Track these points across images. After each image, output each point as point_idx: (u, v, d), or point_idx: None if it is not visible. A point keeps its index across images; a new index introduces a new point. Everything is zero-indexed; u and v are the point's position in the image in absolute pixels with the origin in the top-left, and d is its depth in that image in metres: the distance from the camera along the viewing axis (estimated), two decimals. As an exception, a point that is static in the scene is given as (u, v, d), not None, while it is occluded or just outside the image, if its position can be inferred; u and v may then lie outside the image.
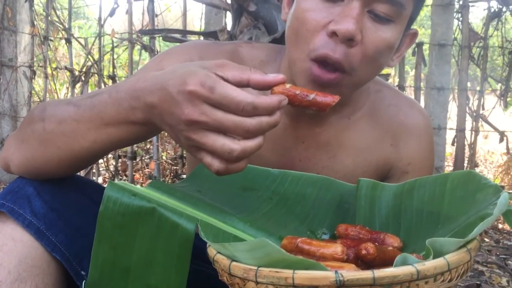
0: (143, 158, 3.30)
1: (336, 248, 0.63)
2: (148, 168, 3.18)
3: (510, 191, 2.81)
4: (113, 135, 0.73)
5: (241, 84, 0.65)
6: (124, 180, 2.96)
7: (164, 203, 0.71)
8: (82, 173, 2.80)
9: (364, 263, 0.64)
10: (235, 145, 0.62)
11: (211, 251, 0.63)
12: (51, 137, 0.75)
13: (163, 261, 0.70)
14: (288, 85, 0.66)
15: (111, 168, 3.08)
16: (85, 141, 0.74)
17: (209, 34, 2.10)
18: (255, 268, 0.56)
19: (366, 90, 0.99)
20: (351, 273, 0.53)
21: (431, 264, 0.55)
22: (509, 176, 3.15)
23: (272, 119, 0.64)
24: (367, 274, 0.53)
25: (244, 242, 0.58)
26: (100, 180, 3.06)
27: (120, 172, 3.07)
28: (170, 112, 0.65)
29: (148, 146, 3.44)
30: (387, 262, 0.61)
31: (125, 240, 0.70)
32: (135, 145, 3.01)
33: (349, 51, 0.80)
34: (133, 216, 0.69)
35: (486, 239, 2.52)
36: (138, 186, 0.75)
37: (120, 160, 3.07)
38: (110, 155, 3.07)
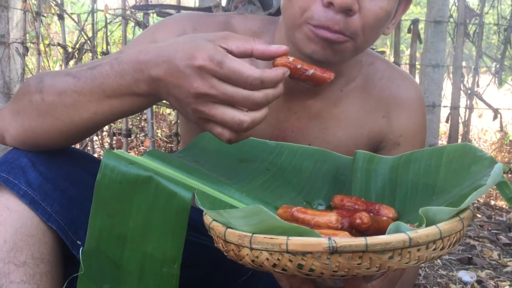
0: (138, 135, 3.29)
1: (331, 217, 0.64)
2: (143, 145, 3.18)
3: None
4: (115, 106, 0.73)
5: (245, 55, 0.67)
6: (119, 157, 2.95)
7: (161, 172, 0.71)
8: (76, 150, 2.79)
9: (358, 232, 0.64)
10: (245, 117, 0.65)
11: (207, 218, 0.64)
12: (50, 108, 0.75)
13: (159, 229, 0.70)
14: (290, 58, 0.69)
15: (106, 145, 3.07)
16: (86, 112, 0.73)
17: (203, 10, 2.08)
18: (250, 234, 0.56)
19: (359, 62, 0.99)
20: (344, 239, 0.53)
21: (423, 232, 0.56)
22: (502, 154, 3.17)
23: (277, 91, 0.67)
24: (360, 240, 0.53)
25: (239, 209, 0.58)
26: (95, 157, 3.06)
27: (115, 149, 3.07)
28: (178, 85, 0.65)
29: (142, 124, 3.43)
30: (381, 231, 0.62)
31: (122, 208, 0.70)
32: (130, 123, 3.00)
33: (348, 20, 0.81)
34: (130, 184, 0.70)
35: (479, 215, 2.55)
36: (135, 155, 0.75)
37: (114, 137, 3.06)
38: (104, 133, 3.07)
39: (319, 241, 0.53)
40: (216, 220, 0.62)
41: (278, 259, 0.55)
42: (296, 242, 0.54)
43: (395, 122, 1.01)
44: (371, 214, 0.73)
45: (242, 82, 0.63)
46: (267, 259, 0.56)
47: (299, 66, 0.69)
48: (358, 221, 0.64)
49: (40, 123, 0.76)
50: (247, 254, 0.57)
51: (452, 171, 0.75)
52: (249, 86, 0.64)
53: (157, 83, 0.68)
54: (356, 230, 0.65)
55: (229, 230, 0.59)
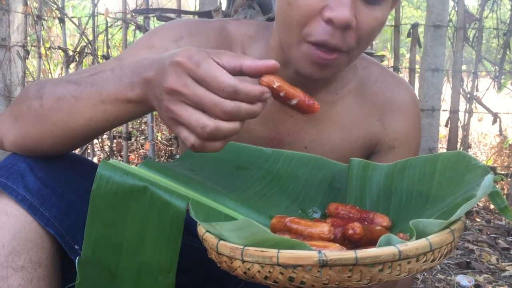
0: (138, 138, 3.30)
1: (323, 228, 0.64)
2: (143, 148, 3.18)
3: (503, 172, 2.81)
4: (108, 112, 0.74)
5: (235, 70, 0.66)
6: (119, 160, 2.97)
7: (156, 181, 0.72)
8: (77, 152, 2.80)
9: (351, 242, 0.65)
10: (209, 122, 0.63)
11: (201, 229, 0.64)
12: (47, 114, 0.76)
13: (155, 239, 0.71)
14: (276, 84, 0.66)
15: (106, 148, 3.08)
16: (82, 118, 0.75)
17: (203, 14, 2.09)
18: (241, 247, 0.57)
19: (353, 66, 1.01)
20: (334, 252, 0.54)
21: (413, 245, 0.56)
22: (502, 158, 3.17)
23: (252, 108, 0.64)
24: (349, 254, 0.54)
25: (230, 222, 0.59)
26: (95, 160, 3.06)
27: (115, 152, 3.08)
28: (159, 81, 0.66)
29: (143, 127, 3.43)
30: (374, 241, 0.62)
31: (117, 218, 0.71)
32: (130, 126, 3.01)
33: (345, 34, 0.81)
34: (125, 194, 0.70)
35: (478, 219, 2.55)
36: (131, 165, 0.76)
37: (115, 140, 3.07)
38: (105, 136, 3.07)
39: (310, 254, 0.54)
40: (209, 232, 0.63)
41: (269, 271, 0.55)
42: (287, 255, 0.54)
43: (390, 125, 1.02)
44: (365, 222, 0.73)
45: (215, 86, 0.62)
46: (258, 271, 0.56)
47: (282, 94, 0.67)
48: (350, 231, 0.64)
49: (36, 129, 0.77)
50: (239, 266, 0.57)
51: (446, 179, 0.75)
52: (221, 93, 0.63)
53: (148, 84, 0.69)
54: (349, 241, 0.65)
55: (221, 242, 0.59)
